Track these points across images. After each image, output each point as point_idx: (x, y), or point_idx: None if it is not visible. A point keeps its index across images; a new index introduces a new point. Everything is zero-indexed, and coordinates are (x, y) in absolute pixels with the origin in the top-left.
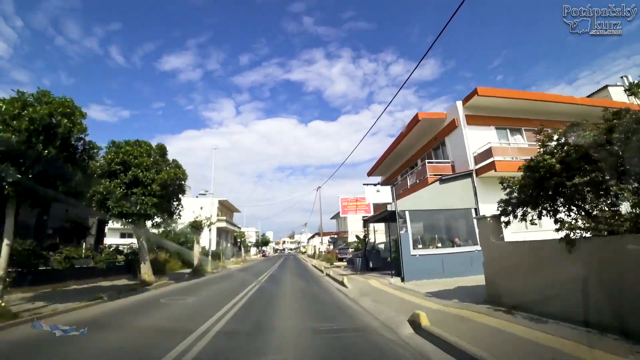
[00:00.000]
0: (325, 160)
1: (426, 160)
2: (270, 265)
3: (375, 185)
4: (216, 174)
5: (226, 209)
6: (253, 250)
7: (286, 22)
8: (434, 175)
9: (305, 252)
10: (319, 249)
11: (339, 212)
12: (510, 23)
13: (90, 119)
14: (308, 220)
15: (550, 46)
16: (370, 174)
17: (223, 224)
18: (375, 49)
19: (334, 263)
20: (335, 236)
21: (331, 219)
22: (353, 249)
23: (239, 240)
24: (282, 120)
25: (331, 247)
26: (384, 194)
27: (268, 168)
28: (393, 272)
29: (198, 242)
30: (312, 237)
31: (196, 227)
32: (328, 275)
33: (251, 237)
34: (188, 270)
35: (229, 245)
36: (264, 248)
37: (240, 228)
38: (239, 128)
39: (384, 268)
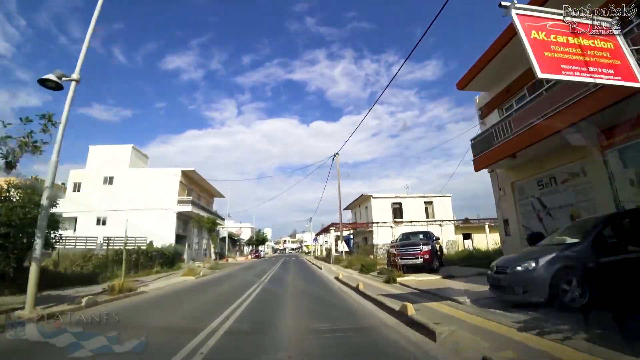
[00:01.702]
0: (327, 160)
1: None
2: (248, 284)
3: None
4: (217, 173)
5: (199, 188)
6: (247, 249)
7: (289, 22)
8: None
9: (309, 252)
10: (337, 248)
11: (358, 197)
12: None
13: (92, 118)
14: (314, 215)
15: None
16: (464, 84)
17: (187, 208)
18: (377, 50)
19: (399, 279)
20: (351, 232)
21: (345, 209)
22: (433, 244)
23: (224, 232)
24: (283, 120)
25: (344, 245)
26: None
27: (269, 167)
28: None
29: None
30: (326, 229)
31: None
32: None
33: (242, 233)
34: None
35: (204, 240)
36: (260, 247)
37: (224, 219)
38: (241, 128)
39: None
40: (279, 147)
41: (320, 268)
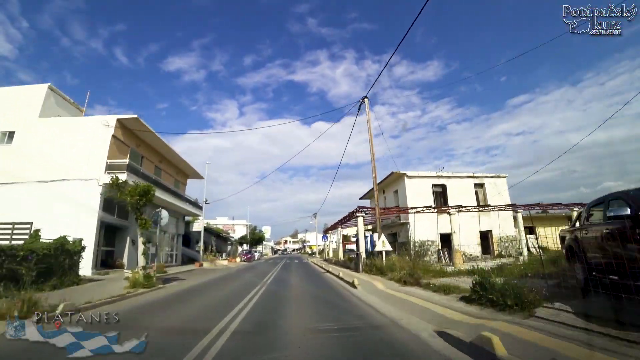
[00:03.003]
0: (328, 161)
1: None
2: None
3: None
4: (219, 174)
5: (158, 157)
6: (241, 249)
7: (290, 23)
8: None
9: (313, 253)
10: (381, 245)
11: (387, 177)
12: (513, 22)
13: None
14: (318, 212)
15: (553, 47)
16: None
17: (121, 177)
18: (379, 50)
19: None
20: (362, 229)
21: (362, 198)
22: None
23: (198, 226)
24: (285, 121)
25: (385, 242)
26: None
27: (270, 168)
28: None
29: None
30: (344, 220)
31: None
32: None
33: (232, 230)
34: None
35: (177, 235)
36: (258, 247)
37: (201, 208)
38: (242, 129)
39: None
40: (280, 148)
41: (353, 284)
